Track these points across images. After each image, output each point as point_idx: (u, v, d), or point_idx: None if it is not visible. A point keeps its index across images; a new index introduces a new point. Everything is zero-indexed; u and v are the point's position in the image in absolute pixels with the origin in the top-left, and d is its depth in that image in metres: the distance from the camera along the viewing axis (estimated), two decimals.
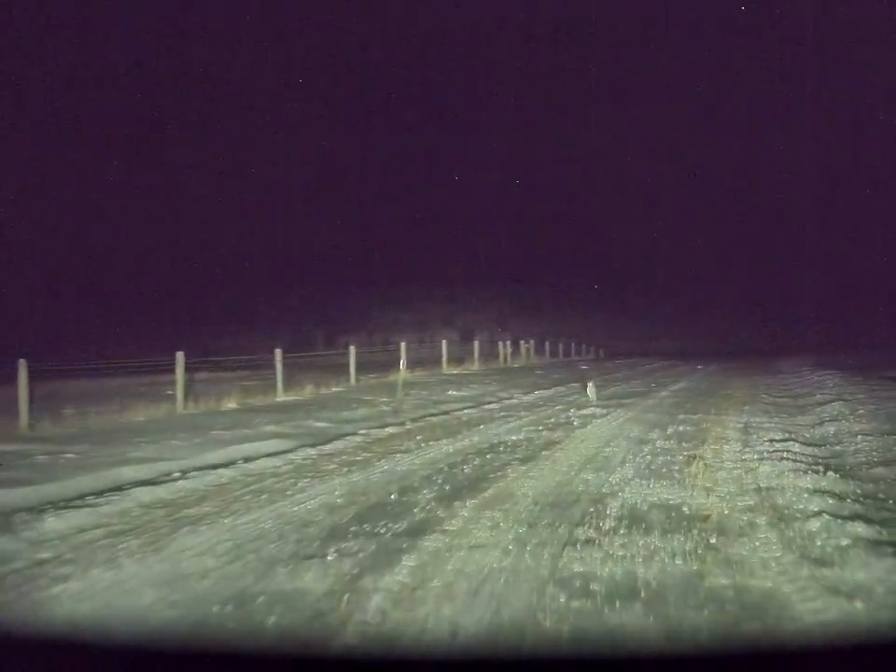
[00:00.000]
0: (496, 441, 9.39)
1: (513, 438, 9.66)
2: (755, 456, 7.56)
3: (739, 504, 5.57)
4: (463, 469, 7.48)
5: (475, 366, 28.53)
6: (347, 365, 21.54)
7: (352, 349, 21.52)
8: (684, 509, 5.47)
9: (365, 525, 5.34)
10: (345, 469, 7.81)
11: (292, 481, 7.31)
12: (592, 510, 5.53)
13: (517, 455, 8.23)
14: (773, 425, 10.11)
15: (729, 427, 10.03)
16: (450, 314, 76.92)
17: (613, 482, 6.53)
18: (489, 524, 5.24)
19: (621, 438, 9.27)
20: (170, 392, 14.70)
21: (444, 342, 26.74)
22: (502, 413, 12.96)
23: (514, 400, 15.65)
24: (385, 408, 14.07)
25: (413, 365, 25.17)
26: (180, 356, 14.97)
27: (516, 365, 31.22)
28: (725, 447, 8.30)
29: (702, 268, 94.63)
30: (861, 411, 10.45)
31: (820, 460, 7.35)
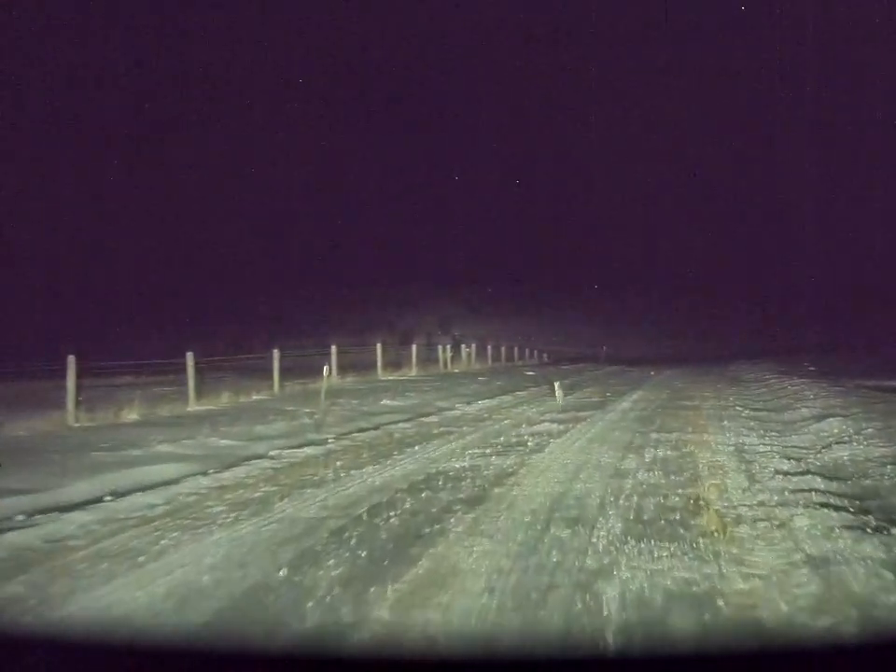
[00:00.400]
0: (433, 471, 7.44)
1: (456, 465, 7.72)
2: (775, 498, 5.73)
3: (798, 592, 3.68)
4: (388, 519, 5.50)
5: (413, 371, 26.60)
6: (299, 368, 19.64)
7: (275, 353, 19.33)
8: (720, 604, 3.56)
9: (220, 644, 3.32)
10: (234, 515, 5.83)
11: (158, 534, 5.31)
12: (579, 606, 3.58)
13: (460, 495, 6.27)
14: (769, 448, 8.35)
15: (719, 450, 8.24)
16: (395, 316, 75.16)
17: (600, 546, 4.59)
18: (421, 642, 3.26)
19: (590, 467, 7.38)
20: (78, 399, 12.75)
21: (379, 345, 24.71)
22: (442, 429, 11.03)
23: (455, 412, 13.75)
24: (307, 420, 12.09)
25: (346, 370, 23.21)
26: (71, 360, 12.92)
27: (457, 370, 29.34)
28: (728, 482, 6.47)
29: (700, 268, 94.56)
30: (869, 429, 8.77)
31: (859, 503, 5.55)
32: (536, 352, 45.56)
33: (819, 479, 6.41)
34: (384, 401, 15.39)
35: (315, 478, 7.35)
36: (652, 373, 26.26)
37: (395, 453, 8.84)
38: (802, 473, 6.70)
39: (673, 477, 6.76)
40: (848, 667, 2.95)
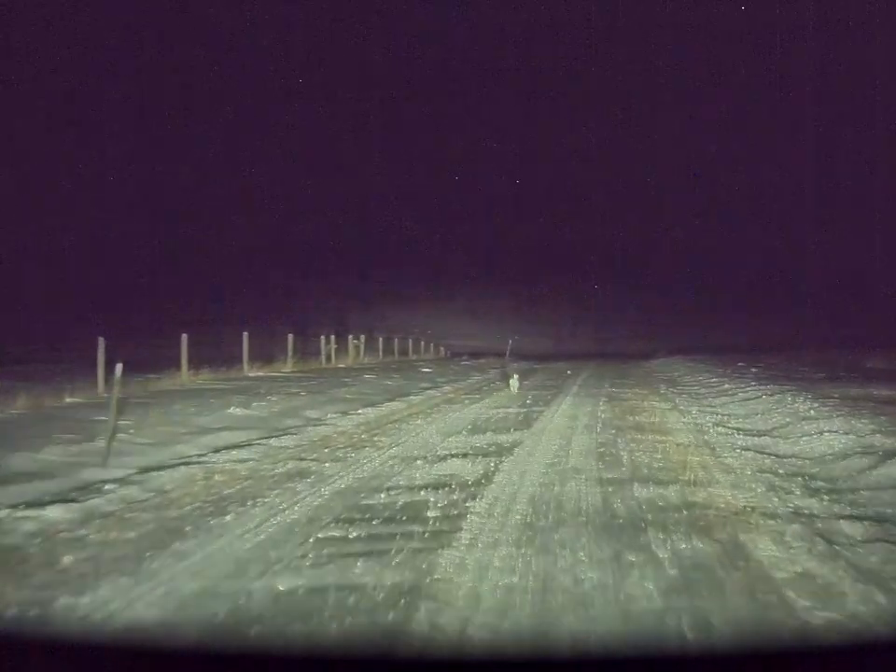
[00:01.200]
0: (229, 608, 3.38)
1: (280, 588, 3.66)
2: None
3: None
4: None
5: (289, 366, 22.25)
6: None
7: (100, 341, 14.69)
8: None
9: None
10: None
11: None
12: None
13: None
14: (864, 529, 4.60)
15: (793, 543, 4.40)
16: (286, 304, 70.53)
17: None
18: None
19: (569, 610, 3.41)
20: None
21: (246, 334, 20.21)
22: (291, 466, 7.07)
23: (324, 428, 9.76)
24: (102, 444, 7.82)
25: (207, 364, 18.78)
26: None
27: (342, 365, 25.10)
28: None
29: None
30: None
31: None
32: (433, 346, 41.76)
33: None
34: (231, 409, 11.18)
35: None
36: (569, 372, 22.65)
37: (186, 528, 4.80)
38: None
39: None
40: None
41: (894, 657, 2.87)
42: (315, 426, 9.98)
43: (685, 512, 4.98)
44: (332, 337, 26.52)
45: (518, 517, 4.88)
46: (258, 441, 8.60)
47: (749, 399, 11.96)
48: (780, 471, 6.51)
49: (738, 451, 7.52)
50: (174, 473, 6.77)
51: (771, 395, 11.74)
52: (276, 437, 8.93)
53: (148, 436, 8.78)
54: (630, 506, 5.16)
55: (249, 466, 7.13)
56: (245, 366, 20.07)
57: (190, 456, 7.71)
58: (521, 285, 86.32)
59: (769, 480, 6.08)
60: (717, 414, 10.72)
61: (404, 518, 4.91)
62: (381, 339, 32.62)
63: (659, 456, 7.21)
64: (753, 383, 14.48)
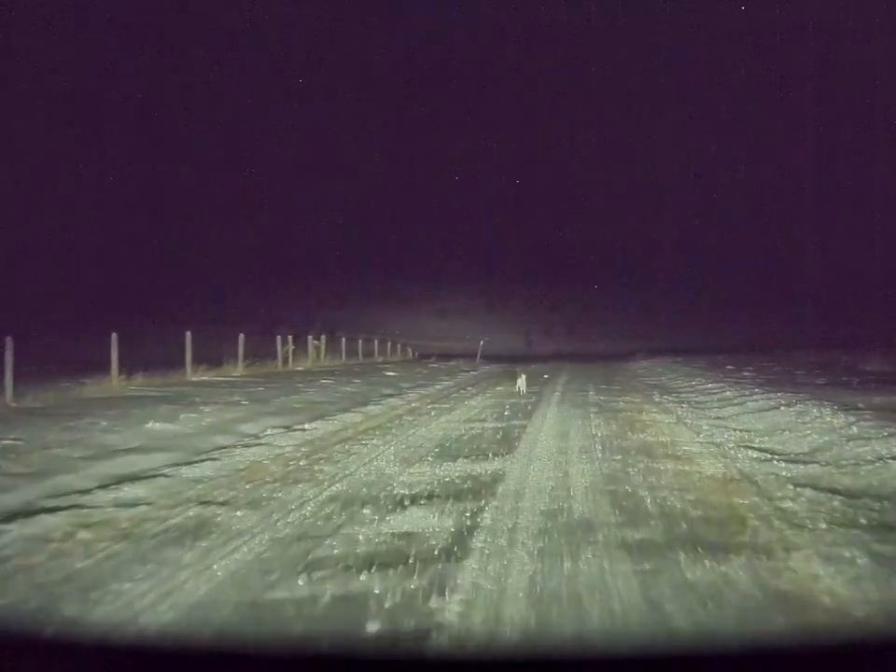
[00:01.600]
0: None
1: None
2: None
3: None
4: None
5: (239, 370, 20.25)
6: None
7: (8, 341, 12.65)
8: None
9: None
10: None
11: None
12: None
13: None
14: None
15: None
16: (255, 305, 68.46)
17: None
18: None
19: None
20: None
21: (189, 333, 18.12)
22: (196, 513, 5.25)
23: (257, 450, 7.96)
24: None
25: (144, 368, 16.75)
26: None
27: (299, 368, 23.09)
28: None
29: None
30: None
31: None
32: (400, 347, 39.85)
33: None
34: (150, 424, 9.25)
35: None
36: (546, 376, 20.89)
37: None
38: None
39: None
40: None
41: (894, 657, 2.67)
42: (246, 446, 8.07)
43: (781, 619, 3.11)
44: (290, 337, 24.47)
45: (516, 637, 2.97)
46: (165, 471, 6.70)
47: (763, 410, 10.16)
48: (863, 522, 4.69)
49: (791, 487, 5.68)
50: (27, 527, 4.87)
51: (788, 405, 9.96)
52: (192, 464, 7.05)
53: (31, 462, 6.91)
54: (688, 605, 3.26)
55: (136, 513, 5.22)
56: (189, 369, 18.04)
57: (68, 494, 5.84)
58: (519, 285, 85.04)
59: (862, 541, 4.24)
60: (733, 430, 8.90)
61: (343, 603, 2.98)
62: (343, 339, 30.56)
63: (692, 498, 5.35)
64: (757, 390, 12.72)
